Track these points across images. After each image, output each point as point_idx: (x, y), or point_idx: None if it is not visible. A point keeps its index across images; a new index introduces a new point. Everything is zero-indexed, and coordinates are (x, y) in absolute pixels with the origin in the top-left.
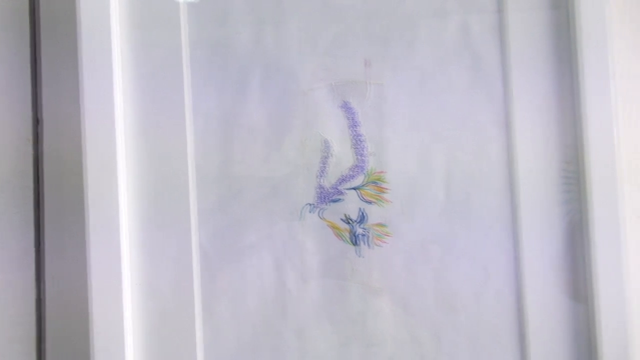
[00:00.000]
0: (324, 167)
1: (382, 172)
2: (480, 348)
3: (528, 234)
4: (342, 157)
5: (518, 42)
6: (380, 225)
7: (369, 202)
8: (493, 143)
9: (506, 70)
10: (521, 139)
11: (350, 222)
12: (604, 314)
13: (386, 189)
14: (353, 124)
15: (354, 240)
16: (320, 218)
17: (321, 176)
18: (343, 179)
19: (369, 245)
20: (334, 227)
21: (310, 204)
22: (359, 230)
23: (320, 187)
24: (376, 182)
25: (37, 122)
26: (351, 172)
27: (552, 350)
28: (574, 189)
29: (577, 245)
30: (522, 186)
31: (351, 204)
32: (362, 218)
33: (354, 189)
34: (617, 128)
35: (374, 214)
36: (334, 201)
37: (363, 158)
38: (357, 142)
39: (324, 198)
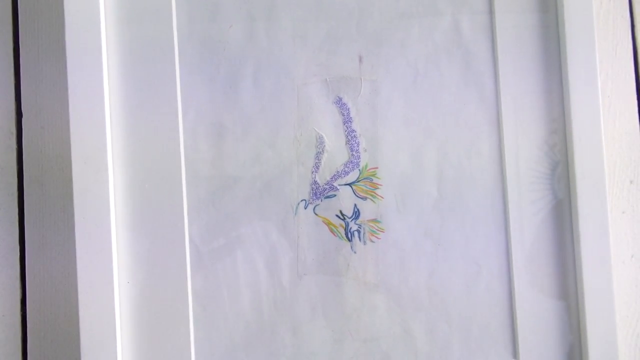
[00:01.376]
0: (318, 162)
1: (375, 168)
2: (472, 340)
3: (518, 228)
4: (336, 153)
5: (508, 43)
6: (374, 221)
7: (363, 198)
8: (484, 140)
9: (497, 69)
10: (511, 136)
11: (345, 218)
12: (591, 306)
13: (379, 185)
14: (347, 120)
15: (349, 236)
16: (315, 214)
17: (315, 172)
18: (337, 175)
19: (363, 241)
20: (328, 223)
21: (304, 200)
22: (353, 226)
23: (315, 183)
24: (370, 178)
25: (20, 115)
26: (345, 168)
27: (542, 342)
28: (562, 185)
29: (565, 240)
30: (512, 182)
31: (345, 200)
32: (356, 214)
33: (348, 184)
34: (604, 127)
35: (368, 210)
36: (328, 197)
37: (357, 154)
38: (350, 138)
39: (318, 194)
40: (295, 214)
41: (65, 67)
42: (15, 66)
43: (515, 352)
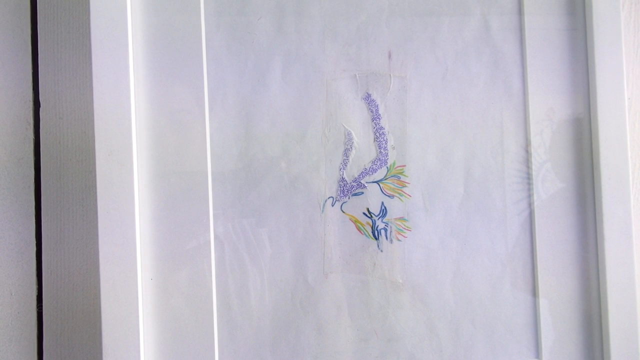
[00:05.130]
0: (346, 159)
1: (403, 165)
2: (495, 340)
3: (543, 228)
4: (364, 150)
5: (537, 43)
6: (401, 219)
7: (390, 196)
8: (511, 138)
9: (525, 69)
10: (538, 135)
11: (372, 216)
12: (614, 307)
13: (407, 182)
14: (375, 117)
15: (375, 234)
16: (342, 212)
17: (343, 169)
18: (365, 172)
19: (389, 239)
20: (355, 221)
21: (331, 197)
22: (380, 225)
23: (342, 180)
24: (397, 176)
25: (37, 105)
26: (373, 166)
27: (564, 342)
28: (588, 185)
29: (589, 241)
30: (539, 182)
31: (372, 198)
32: (384, 212)
33: (376, 182)
34: (629, 128)
35: (395, 208)
36: (356, 194)
37: (385, 151)
38: (379, 135)
39: (346, 191)
40: (322, 211)
41: (86, 55)
42: (33, 53)
43: (538, 352)
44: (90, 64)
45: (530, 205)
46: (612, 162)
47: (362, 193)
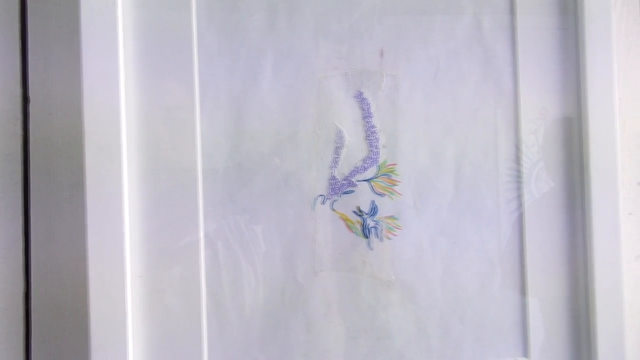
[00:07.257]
0: (337, 158)
1: (394, 164)
2: (484, 339)
3: (533, 228)
4: (355, 148)
5: (528, 43)
6: (391, 218)
7: (381, 195)
8: (502, 138)
9: (516, 68)
10: (529, 135)
11: (362, 214)
12: (601, 306)
13: (397, 181)
14: (367, 115)
15: (366, 232)
16: (332, 210)
17: (334, 167)
18: (356, 171)
19: (380, 238)
20: (345, 220)
21: (322, 196)
22: (371, 223)
23: (333, 178)
24: (388, 175)
25: (26, 100)
26: (364, 164)
27: (553, 341)
28: (577, 185)
29: (577, 240)
30: (529, 182)
31: (363, 196)
32: (374, 210)
33: (366, 180)
34: (619, 129)
35: (385, 206)
36: (346, 193)
37: (376, 150)
38: (370, 134)
39: (337, 189)
40: (313, 209)
41: (77, 50)
42: (22, 48)
43: (526, 351)
44: (80, 59)
45: (520, 205)
46: (601, 162)
47: (353, 191)
